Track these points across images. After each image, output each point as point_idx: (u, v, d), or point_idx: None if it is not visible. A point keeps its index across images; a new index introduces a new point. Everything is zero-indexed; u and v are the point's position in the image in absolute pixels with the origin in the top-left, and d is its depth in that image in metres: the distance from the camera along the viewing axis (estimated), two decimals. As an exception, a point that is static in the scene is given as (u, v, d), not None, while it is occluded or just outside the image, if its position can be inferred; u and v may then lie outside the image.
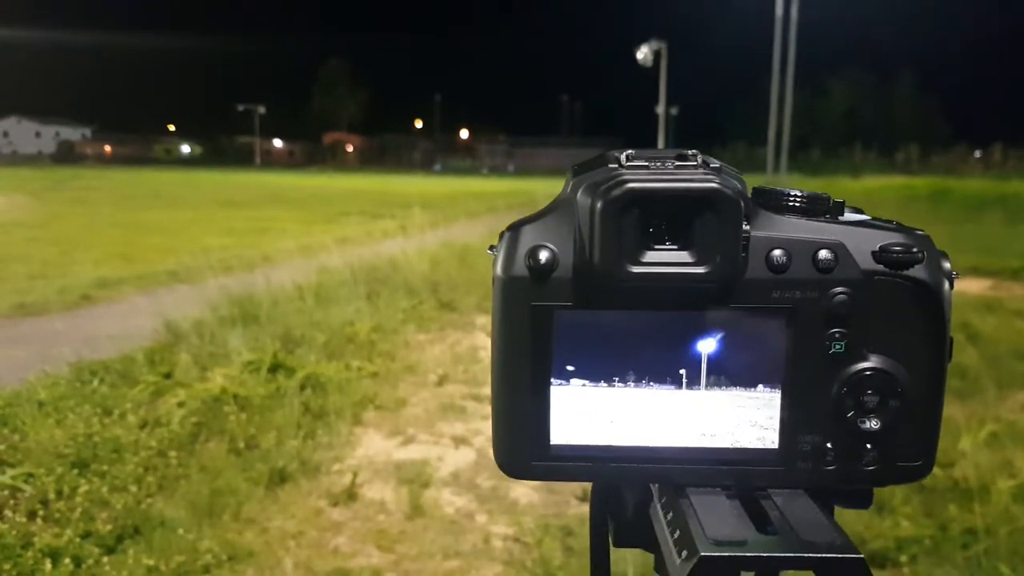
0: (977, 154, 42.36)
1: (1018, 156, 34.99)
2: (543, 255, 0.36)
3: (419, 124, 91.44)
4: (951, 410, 3.55)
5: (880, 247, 0.36)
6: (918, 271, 0.36)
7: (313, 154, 79.35)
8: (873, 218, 0.39)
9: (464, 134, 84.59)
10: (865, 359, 0.36)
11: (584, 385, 0.37)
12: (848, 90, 60.34)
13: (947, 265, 0.37)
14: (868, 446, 0.36)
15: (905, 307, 0.36)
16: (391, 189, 23.38)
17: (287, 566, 2.43)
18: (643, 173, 0.34)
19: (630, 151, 0.35)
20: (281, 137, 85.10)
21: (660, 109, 30.99)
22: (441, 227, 11.06)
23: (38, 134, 79.05)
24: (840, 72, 62.70)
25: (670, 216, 0.34)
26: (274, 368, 4.17)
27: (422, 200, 12.05)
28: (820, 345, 0.36)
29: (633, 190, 0.33)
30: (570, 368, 0.36)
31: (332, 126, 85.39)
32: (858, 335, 0.36)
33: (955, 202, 15.02)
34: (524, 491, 2.94)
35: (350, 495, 2.89)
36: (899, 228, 0.37)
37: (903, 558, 2.34)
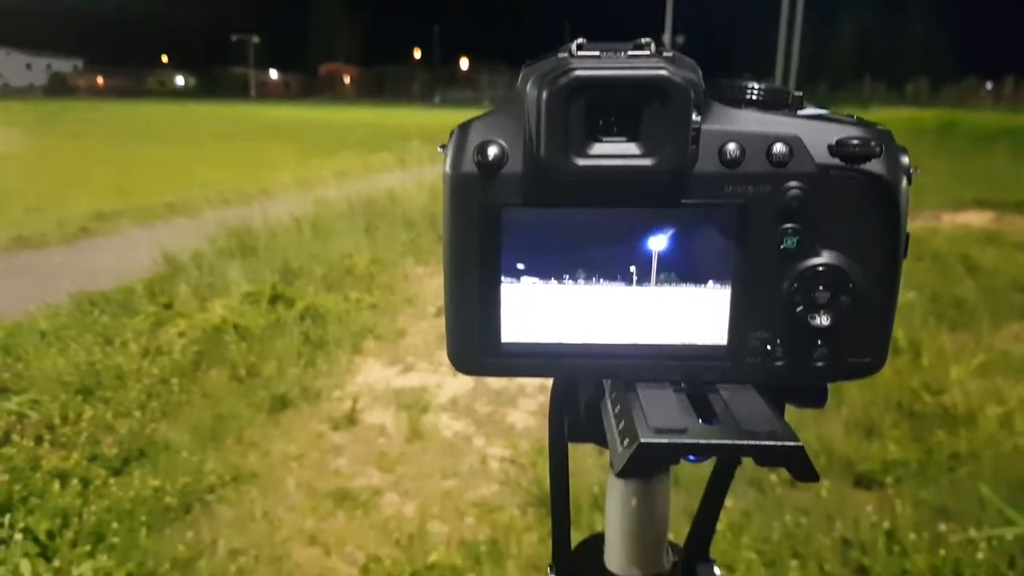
0: (988, 86, 41.60)
1: (1030, 88, 34.35)
2: (492, 151, 0.35)
3: (418, 54, 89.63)
4: (945, 340, 3.58)
5: (837, 141, 0.35)
6: (875, 165, 0.35)
7: (309, 86, 78.02)
8: (832, 112, 0.38)
9: (464, 64, 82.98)
10: (817, 255, 0.36)
11: (535, 283, 0.36)
12: (858, 21, 58.93)
13: (905, 160, 0.36)
14: (818, 342, 0.36)
15: (860, 202, 0.35)
16: (389, 122, 23.06)
17: (290, 486, 2.49)
18: (592, 62, 0.33)
19: (582, 40, 0.34)
20: (276, 68, 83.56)
21: (666, 38, 30.38)
22: (440, 160, 10.93)
23: (29, 66, 77.58)
24: (850, 2, 61.18)
25: (618, 106, 0.33)
26: (273, 299, 4.19)
27: (421, 133, 11.89)
28: (772, 241, 0.35)
29: (579, 78, 0.32)
30: (520, 266, 0.36)
31: (328, 57, 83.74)
32: (811, 231, 0.35)
33: (963, 135, 14.82)
34: (520, 416, 2.99)
35: (350, 420, 2.94)
36: (858, 122, 0.37)
37: (888, 480, 2.40)
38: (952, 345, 3.51)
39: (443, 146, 0.37)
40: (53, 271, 5.04)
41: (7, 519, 2.02)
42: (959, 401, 2.90)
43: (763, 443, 0.31)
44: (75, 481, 2.35)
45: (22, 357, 3.38)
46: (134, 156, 13.02)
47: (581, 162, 0.33)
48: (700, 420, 0.33)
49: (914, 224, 0.38)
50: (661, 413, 0.33)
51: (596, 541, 0.43)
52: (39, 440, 2.67)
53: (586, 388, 0.40)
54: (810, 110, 0.38)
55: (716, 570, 0.42)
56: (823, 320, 0.35)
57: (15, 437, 2.66)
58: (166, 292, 4.41)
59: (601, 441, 0.38)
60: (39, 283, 4.67)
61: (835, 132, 0.36)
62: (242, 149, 14.52)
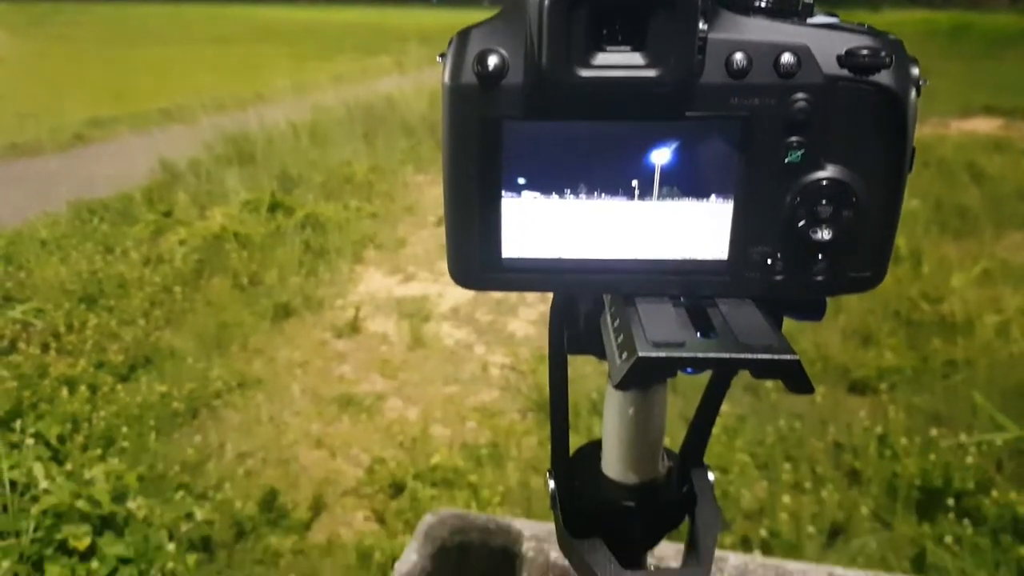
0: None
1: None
2: (492, 60, 0.34)
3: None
4: (946, 249, 3.58)
5: (846, 51, 0.34)
6: (884, 77, 0.34)
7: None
8: (843, 21, 0.37)
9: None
10: (822, 168, 0.35)
11: (536, 198, 0.36)
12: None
13: (916, 71, 0.35)
14: (818, 256, 0.36)
15: (868, 115, 0.35)
16: (387, 23, 22.44)
17: (295, 392, 2.54)
18: None
19: None
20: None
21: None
22: (439, 68, 10.69)
23: (14, -35, 75.10)
24: None
25: (623, 14, 0.32)
26: (273, 207, 4.17)
27: (419, 34, 11.59)
28: (776, 154, 0.35)
29: None
30: (521, 180, 0.36)
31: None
32: (816, 144, 0.35)
33: (976, 37, 14.41)
34: (520, 324, 3.02)
35: (353, 328, 2.97)
36: (869, 32, 0.35)
37: (883, 386, 2.44)
38: (954, 253, 3.51)
39: (442, 55, 0.36)
40: (49, 179, 5.00)
41: (18, 424, 2.07)
42: (957, 309, 2.92)
43: (759, 356, 0.31)
44: (83, 387, 2.40)
45: (24, 266, 3.39)
46: (127, 59, 12.73)
47: (585, 73, 0.32)
48: (698, 334, 0.33)
49: (921, 131, 0.37)
50: (659, 327, 0.33)
51: (594, 448, 0.44)
52: (45, 348, 2.71)
53: (586, 302, 0.41)
54: (820, 18, 0.36)
55: (710, 475, 0.43)
56: (824, 234, 0.35)
57: (21, 345, 2.69)
58: (165, 200, 4.39)
59: (600, 354, 0.38)
60: (36, 191, 4.65)
61: (844, 41, 0.34)
62: (237, 52, 14.17)
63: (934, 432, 2.15)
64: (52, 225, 3.93)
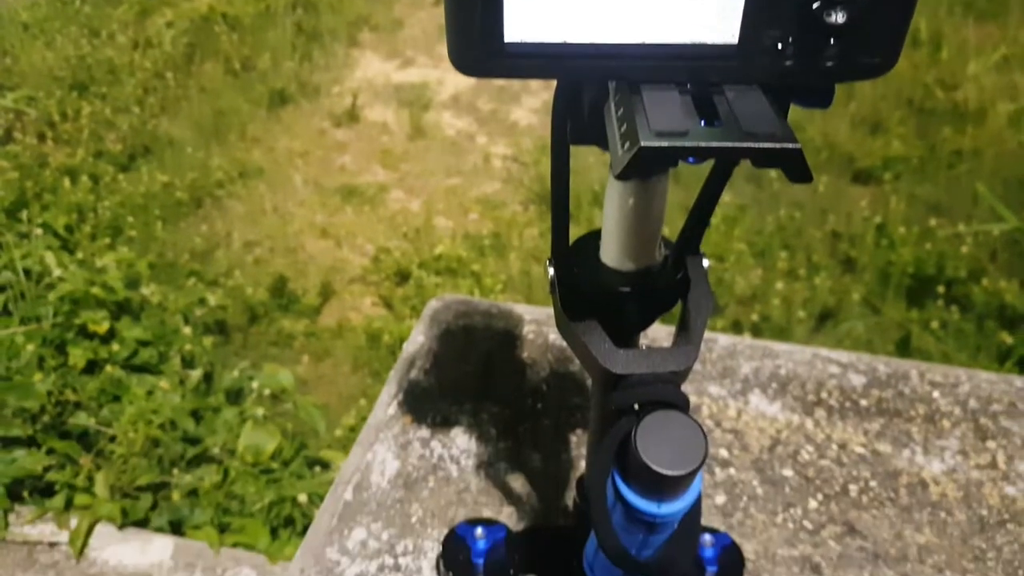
0: None
1: None
2: None
3: None
4: (968, 32, 3.42)
5: None
6: None
7: None
8: None
9: None
10: None
11: None
12: None
13: None
14: (831, 40, 0.33)
15: None
16: None
17: (297, 182, 2.54)
18: None
19: None
20: None
21: None
22: None
23: None
24: None
25: None
26: (262, -14, 3.94)
27: None
28: None
29: None
30: None
31: None
32: None
33: None
34: (523, 113, 2.96)
35: (352, 116, 2.92)
36: None
37: (887, 176, 2.43)
38: (975, 37, 3.36)
39: None
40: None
41: (24, 215, 2.09)
42: (972, 97, 2.85)
43: (762, 145, 0.30)
44: (84, 178, 2.40)
45: (8, 52, 3.27)
46: None
47: None
48: (702, 123, 0.32)
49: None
50: (663, 116, 0.32)
51: (593, 237, 0.44)
52: (42, 138, 2.67)
53: (590, 90, 0.39)
54: None
55: (705, 262, 0.44)
56: (839, 17, 0.33)
57: (17, 135, 2.66)
58: (147, -21, 4.15)
59: (603, 143, 0.37)
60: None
61: None
62: None
63: (933, 222, 2.17)
64: (32, 7, 3.74)
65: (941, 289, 1.95)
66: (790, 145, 0.30)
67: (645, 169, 0.32)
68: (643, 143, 0.30)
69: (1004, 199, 2.24)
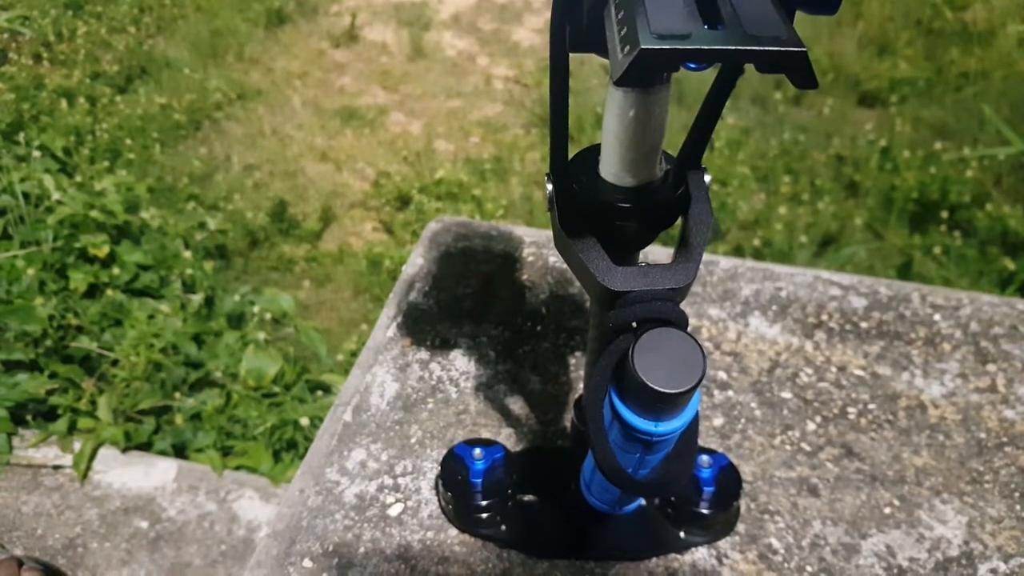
0: None
1: None
2: None
3: None
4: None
5: None
6: None
7: None
8: None
9: None
10: None
11: None
12: None
13: None
14: None
15: None
16: None
17: (295, 103, 2.50)
18: None
19: None
20: None
21: None
22: None
23: None
24: None
25: None
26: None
27: None
28: None
29: None
30: None
31: None
32: None
33: None
34: (526, 34, 2.89)
35: (351, 36, 2.85)
36: None
37: (893, 98, 2.38)
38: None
39: None
40: None
41: (22, 137, 2.06)
42: (981, 18, 2.77)
43: (766, 48, 0.29)
44: (81, 99, 2.36)
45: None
46: None
47: None
48: (705, 25, 0.31)
49: None
50: (665, 18, 0.31)
51: (593, 151, 0.43)
52: (37, 59, 2.62)
53: None
54: None
55: (707, 177, 0.43)
56: None
57: (12, 56, 2.61)
58: None
59: (603, 51, 0.36)
60: None
61: None
62: None
63: (938, 146, 2.14)
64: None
65: (944, 214, 1.94)
66: (795, 48, 0.29)
67: (645, 73, 0.31)
68: (643, 46, 0.29)
69: (1011, 122, 2.21)
